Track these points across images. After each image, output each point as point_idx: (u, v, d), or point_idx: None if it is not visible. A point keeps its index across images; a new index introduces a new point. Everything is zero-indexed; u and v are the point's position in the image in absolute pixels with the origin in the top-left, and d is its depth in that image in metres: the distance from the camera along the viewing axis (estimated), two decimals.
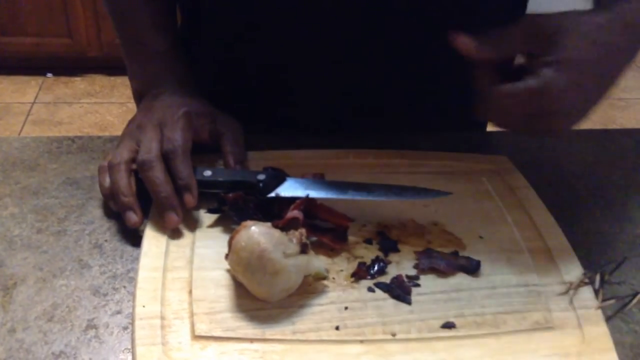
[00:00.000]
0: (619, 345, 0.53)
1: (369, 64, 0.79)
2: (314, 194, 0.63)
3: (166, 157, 0.63)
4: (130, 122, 0.70)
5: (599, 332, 0.53)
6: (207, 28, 0.82)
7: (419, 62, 0.79)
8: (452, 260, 0.59)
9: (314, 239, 0.60)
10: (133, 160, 0.64)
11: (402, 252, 0.61)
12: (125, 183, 0.63)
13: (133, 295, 0.55)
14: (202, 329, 0.52)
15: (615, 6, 0.59)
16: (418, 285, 0.57)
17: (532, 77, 0.56)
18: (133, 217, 0.62)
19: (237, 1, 0.76)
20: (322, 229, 0.61)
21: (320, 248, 0.60)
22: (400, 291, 0.56)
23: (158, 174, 0.62)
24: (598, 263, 0.61)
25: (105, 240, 0.62)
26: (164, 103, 0.69)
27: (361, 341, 0.52)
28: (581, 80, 0.57)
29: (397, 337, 0.52)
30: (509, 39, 0.60)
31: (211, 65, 0.84)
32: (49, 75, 2.85)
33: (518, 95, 0.57)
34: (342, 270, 0.58)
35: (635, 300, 0.58)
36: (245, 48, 0.80)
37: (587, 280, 0.58)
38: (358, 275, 0.58)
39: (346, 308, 0.55)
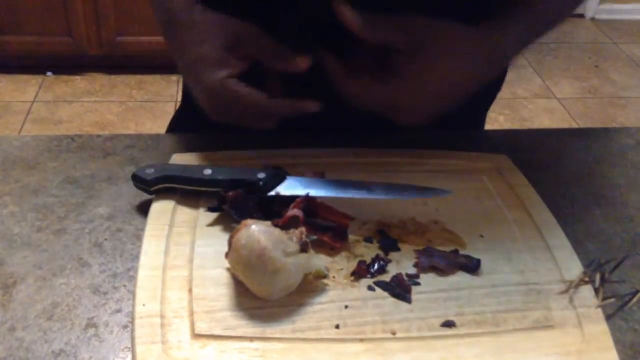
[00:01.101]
0: (619, 343, 0.53)
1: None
2: (314, 192, 0.63)
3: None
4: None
5: (599, 331, 0.53)
6: None
7: None
8: (452, 259, 0.59)
9: (314, 237, 0.60)
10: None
11: (402, 251, 0.61)
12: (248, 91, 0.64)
13: (133, 293, 0.55)
14: (202, 327, 0.51)
15: (493, 26, 0.64)
16: (418, 283, 0.57)
17: (390, 76, 0.62)
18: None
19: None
20: (322, 227, 0.61)
21: (321, 247, 0.60)
22: (400, 290, 0.56)
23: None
24: (598, 262, 0.61)
25: (105, 239, 0.62)
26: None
27: (361, 340, 0.52)
28: (431, 89, 0.63)
29: (397, 335, 0.52)
30: (385, 26, 0.63)
31: None
32: (49, 74, 2.85)
33: (372, 89, 0.64)
34: (342, 269, 0.58)
35: (635, 299, 0.58)
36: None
37: (587, 279, 0.58)
38: (358, 273, 0.58)
39: (346, 307, 0.55)
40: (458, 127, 0.81)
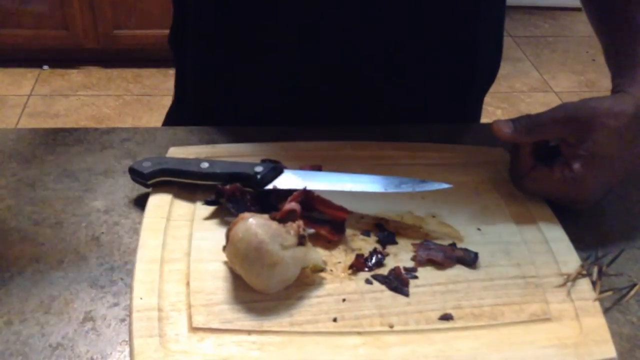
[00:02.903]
0: (616, 336, 0.53)
1: (367, 58, 0.78)
2: (311, 186, 0.63)
3: None
4: None
5: (597, 324, 0.53)
6: (200, 25, 0.82)
7: (417, 56, 0.79)
8: (449, 252, 0.59)
9: (312, 230, 0.60)
10: None
11: (399, 244, 0.61)
12: None
13: (130, 287, 0.55)
14: (199, 320, 0.51)
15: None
16: (416, 277, 0.57)
17: (564, 169, 0.63)
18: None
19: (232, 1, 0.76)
20: (320, 220, 0.61)
21: (318, 240, 0.60)
22: (397, 283, 0.56)
23: None
24: (596, 255, 0.61)
25: (102, 233, 0.62)
26: None
27: (359, 333, 0.52)
28: (607, 173, 0.63)
29: (395, 328, 0.52)
30: (542, 125, 0.64)
31: (206, 61, 0.84)
32: (45, 67, 2.84)
33: (549, 183, 0.64)
34: (339, 262, 0.58)
35: (632, 292, 0.58)
36: (242, 46, 0.79)
37: (584, 272, 0.58)
38: (356, 267, 0.58)
39: (344, 300, 0.55)
40: (461, 120, 0.81)
